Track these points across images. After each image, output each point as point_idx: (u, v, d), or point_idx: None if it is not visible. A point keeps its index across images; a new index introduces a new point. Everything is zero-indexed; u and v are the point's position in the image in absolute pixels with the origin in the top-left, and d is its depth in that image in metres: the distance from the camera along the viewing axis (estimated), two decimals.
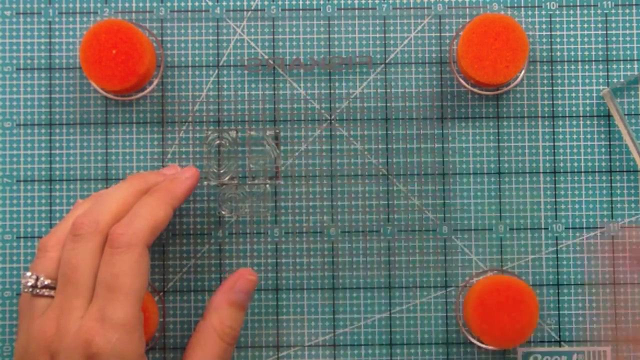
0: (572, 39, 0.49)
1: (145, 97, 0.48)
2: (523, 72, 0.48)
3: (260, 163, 0.48)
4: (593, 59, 0.49)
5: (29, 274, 0.40)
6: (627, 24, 0.49)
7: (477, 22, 0.46)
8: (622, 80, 0.48)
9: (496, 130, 0.48)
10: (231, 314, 0.43)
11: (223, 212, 0.48)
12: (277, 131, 0.48)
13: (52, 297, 0.40)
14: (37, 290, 0.40)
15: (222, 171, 0.48)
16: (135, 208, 0.41)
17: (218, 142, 0.48)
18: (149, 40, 0.47)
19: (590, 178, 0.48)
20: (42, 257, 0.41)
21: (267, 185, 0.48)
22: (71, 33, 0.49)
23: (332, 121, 0.48)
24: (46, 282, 0.40)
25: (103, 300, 0.38)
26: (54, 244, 0.41)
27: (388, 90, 0.49)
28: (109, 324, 0.38)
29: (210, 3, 0.49)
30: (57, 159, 0.48)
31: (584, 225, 0.48)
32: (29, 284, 0.40)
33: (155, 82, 0.48)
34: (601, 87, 0.48)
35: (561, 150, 0.48)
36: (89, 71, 0.46)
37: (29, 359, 0.39)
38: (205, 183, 0.48)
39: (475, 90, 0.48)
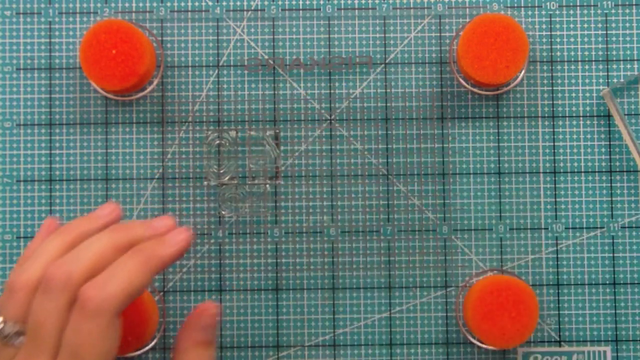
0: (572, 39, 0.49)
1: (145, 97, 0.48)
2: (523, 72, 0.48)
3: (260, 163, 0.48)
4: (593, 59, 0.49)
5: None
6: (627, 24, 0.49)
7: (477, 22, 0.46)
8: (622, 80, 0.48)
9: (496, 130, 0.48)
10: (199, 354, 0.41)
11: (223, 212, 0.48)
12: (277, 131, 0.48)
13: (20, 345, 0.37)
14: (5, 338, 0.37)
15: (222, 171, 0.48)
16: (111, 268, 0.36)
17: (218, 142, 0.48)
18: (149, 40, 0.47)
19: (590, 178, 0.48)
20: (10, 298, 0.37)
21: (267, 185, 0.48)
22: (71, 33, 0.49)
23: (332, 121, 0.48)
24: (16, 329, 0.37)
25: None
26: (23, 286, 0.37)
27: (388, 90, 0.49)
28: None
29: (210, 3, 0.49)
30: (57, 159, 0.48)
31: (584, 225, 0.48)
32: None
33: (155, 82, 0.48)
34: (601, 87, 0.48)
35: (561, 150, 0.48)
36: (88, 71, 0.45)
37: None
38: (205, 183, 0.48)
39: (475, 90, 0.48)
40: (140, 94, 0.48)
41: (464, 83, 0.48)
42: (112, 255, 0.37)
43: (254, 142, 0.48)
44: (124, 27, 0.46)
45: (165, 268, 0.38)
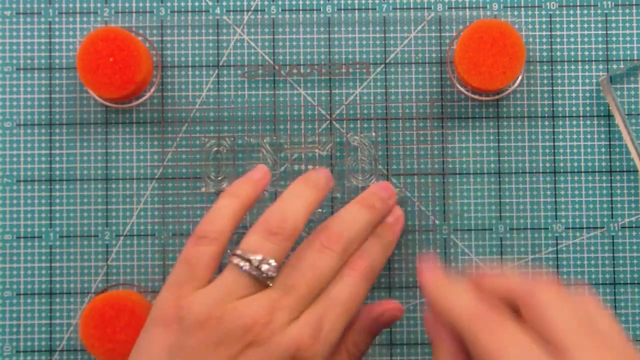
0: (572, 39, 0.49)
1: (145, 103, 0.48)
2: (520, 77, 0.48)
3: None
4: (593, 59, 0.49)
5: (257, 255, 0.39)
6: (627, 24, 0.49)
7: (474, 27, 0.46)
8: (621, 67, 0.48)
9: (496, 131, 0.48)
10: (363, 340, 0.43)
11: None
12: (275, 138, 0.48)
13: (267, 284, 0.39)
14: (261, 274, 0.39)
15: (219, 178, 0.48)
16: (368, 247, 0.43)
17: (215, 148, 0.48)
18: (146, 48, 0.47)
19: (590, 178, 0.48)
20: (271, 239, 0.40)
21: (266, 192, 0.48)
22: (71, 33, 0.49)
23: (332, 121, 0.48)
24: (274, 265, 0.39)
25: (324, 312, 0.39)
26: (289, 231, 0.40)
27: (388, 91, 0.49)
28: (323, 338, 0.38)
29: (210, 4, 0.49)
30: (57, 159, 0.48)
31: (584, 225, 0.48)
32: (258, 258, 0.39)
33: (153, 88, 0.48)
34: (601, 88, 0.48)
35: (561, 150, 0.48)
36: (86, 79, 0.46)
37: (211, 331, 0.37)
38: (203, 189, 0.48)
39: (473, 95, 0.48)
40: (138, 101, 0.48)
41: (461, 89, 0.48)
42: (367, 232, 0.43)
43: (251, 149, 0.48)
44: (121, 35, 0.46)
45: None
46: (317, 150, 0.48)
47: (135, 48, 0.46)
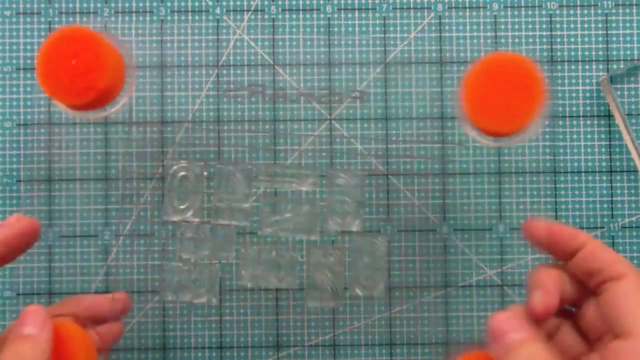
0: (572, 39, 0.49)
1: (111, 116, 0.47)
2: (537, 124, 0.40)
3: (227, 200, 0.45)
4: (593, 59, 0.49)
5: None
6: (627, 24, 0.49)
7: (486, 61, 0.39)
8: (621, 66, 0.48)
9: None
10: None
11: (181, 254, 0.45)
12: (250, 167, 0.45)
13: None
14: None
15: (183, 207, 0.45)
16: None
17: (183, 173, 0.45)
18: (118, 53, 0.42)
19: (590, 178, 0.48)
20: None
21: (232, 226, 0.45)
22: None
23: (332, 121, 0.48)
24: None
25: None
26: None
27: (387, 91, 0.49)
28: None
29: (210, 4, 0.49)
30: (57, 159, 0.48)
31: (584, 225, 0.48)
32: None
33: (122, 101, 0.43)
34: (601, 87, 0.48)
35: (561, 150, 0.48)
36: (44, 81, 0.40)
37: None
38: (164, 217, 0.45)
39: (479, 139, 0.42)
40: (103, 114, 0.43)
41: (468, 131, 0.42)
42: None
43: (224, 177, 0.45)
44: (88, 36, 0.40)
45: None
46: (294, 185, 0.45)
47: (103, 51, 0.40)
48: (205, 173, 0.45)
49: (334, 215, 0.45)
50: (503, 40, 0.49)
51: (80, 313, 0.42)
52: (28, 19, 0.49)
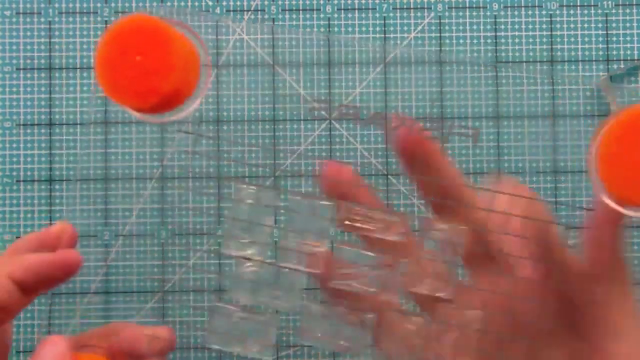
0: (572, 39, 0.49)
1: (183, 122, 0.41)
2: None
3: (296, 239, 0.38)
4: (593, 59, 0.49)
5: None
6: (628, 24, 0.49)
7: (628, 117, 0.33)
8: (622, 66, 0.48)
9: (496, 130, 0.48)
10: None
11: (238, 297, 0.38)
12: (331, 204, 0.37)
13: None
14: None
15: (246, 241, 0.38)
16: None
17: (250, 201, 0.38)
18: (193, 49, 0.37)
19: None
20: None
21: (301, 272, 0.37)
22: (71, 33, 0.49)
23: (331, 121, 0.48)
24: None
25: None
26: None
27: (387, 91, 0.48)
28: None
29: (210, 3, 0.49)
30: (57, 158, 0.48)
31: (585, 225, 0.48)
32: None
33: (194, 105, 0.37)
34: (602, 88, 0.48)
35: (561, 150, 0.48)
36: (102, 78, 0.35)
37: None
38: (223, 252, 0.39)
39: (610, 202, 0.35)
40: (173, 117, 0.37)
41: (610, 203, 0.35)
42: None
43: (296, 211, 0.38)
44: (157, 29, 0.34)
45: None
46: (378, 233, 0.37)
47: (172, 45, 0.34)
48: (281, 204, 0.38)
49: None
50: (503, 41, 0.49)
51: (117, 346, 0.38)
52: (28, 19, 0.49)
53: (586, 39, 0.49)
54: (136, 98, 0.34)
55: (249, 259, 0.37)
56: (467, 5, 0.49)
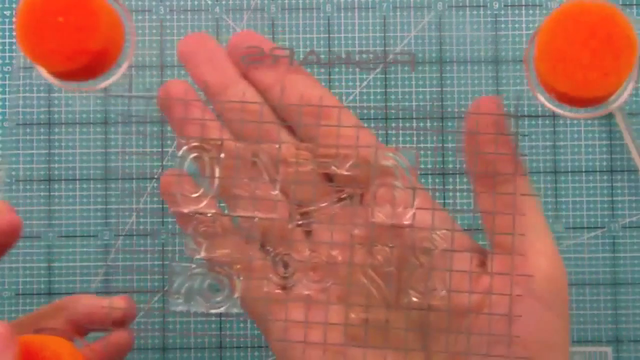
0: None
1: (111, 87, 0.38)
2: (631, 84, 0.34)
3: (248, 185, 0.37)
4: None
5: None
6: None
7: (564, 12, 0.33)
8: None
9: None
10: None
11: (193, 254, 0.37)
12: (277, 147, 0.37)
13: None
14: None
15: (195, 195, 0.37)
16: None
17: (195, 154, 0.37)
18: (113, 10, 0.36)
19: (591, 178, 0.48)
20: None
21: (256, 219, 0.37)
22: None
23: None
24: None
25: None
26: None
27: (388, 90, 0.48)
28: None
29: (209, 3, 0.49)
30: (57, 158, 0.48)
31: (585, 225, 0.48)
32: None
33: (121, 70, 0.37)
34: None
35: (562, 150, 0.48)
36: (24, 44, 0.34)
37: None
38: (172, 210, 0.38)
39: (556, 109, 0.36)
40: (99, 85, 0.37)
41: (543, 100, 0.36)
42: None
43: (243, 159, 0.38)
44: None
45: None
46: (332, 168, 0.37)
47: (96, 5, 0.34)
48: (222, 155, 0.37)
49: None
50: (504, 40, 0.48)
51: (74, 320, 0.37)
52: None
53: None
54: (65, 61, 0.33)
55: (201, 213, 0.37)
56: (468, 4, 0.49)
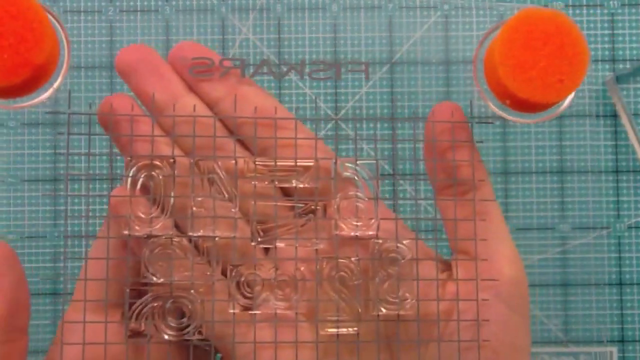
0: None
1: (43, 103, 0.36)
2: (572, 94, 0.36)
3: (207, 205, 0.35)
4: (599, 59, 0.49)
5: None
6: (634, 24, 0.49)
7: (520, 19, 0.34)
8: (628, 66, 0.48)
9: (502, 130, 0.48)
10: None
11: (150, 275, 0.34)
12: (233, 162, 0.35)
13: None
14: None
15: (150, 216, 0.35)
16: None
17: (145, 174, 0.35)
18: (50, 24, 0.33)
19: (596, 178, 0.48)
20: None
21: (217, 239, 0.35)
22: (75, 32, 0.48)
23: (337, 121, 0.48)
24: None
25: None
26: None
27: (394, 90, 0.48)
28: None
29: (215, 2, 0.49)
30: (62, 158, 0.48)
31: (591, 226, 0.48)
32: None
33: (58, 82, 0.35)
34: (607, 87, 0.48)
35: (567, 150, 0.48)
36: None
37: None
38: (125, 232, 0.34)
39: (506, 116, 0.37)
40: (33, 101, 0.35)
41: (493, 107, 0.37)
42: None
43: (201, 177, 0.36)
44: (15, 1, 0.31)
45: None
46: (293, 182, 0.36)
47: (37, 19, 0.31)
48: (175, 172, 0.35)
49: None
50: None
51: None
52: None
53: (592, 39, 0.49)
54: (5, 74, 0.31)
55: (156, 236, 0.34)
56: (473, 5, 0.49)
